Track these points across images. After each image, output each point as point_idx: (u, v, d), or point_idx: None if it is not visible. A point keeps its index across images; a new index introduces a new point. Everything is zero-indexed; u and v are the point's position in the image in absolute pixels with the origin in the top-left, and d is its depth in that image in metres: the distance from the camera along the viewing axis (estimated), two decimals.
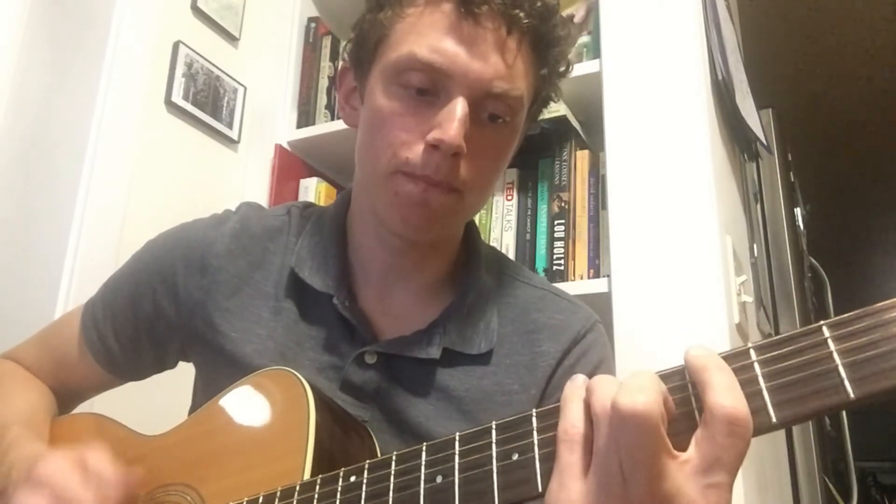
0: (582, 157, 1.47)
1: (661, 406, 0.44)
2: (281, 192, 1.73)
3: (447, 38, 0.72)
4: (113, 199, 1.46)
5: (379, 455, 0.72)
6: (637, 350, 1.23)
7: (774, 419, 0.43)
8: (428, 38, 0.72)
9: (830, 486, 1.80)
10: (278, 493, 0.64)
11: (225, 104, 1.75)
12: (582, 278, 1.39)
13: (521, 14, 0.73)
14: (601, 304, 1.25)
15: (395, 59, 0.74)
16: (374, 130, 0.75)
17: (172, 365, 0.93)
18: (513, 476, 0.50)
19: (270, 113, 1.82)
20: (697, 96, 1.35)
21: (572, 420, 0.48)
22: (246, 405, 0.74)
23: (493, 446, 0.51)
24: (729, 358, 0.46)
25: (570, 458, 0.47)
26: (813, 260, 2.09)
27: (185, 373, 0.92)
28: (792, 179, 1.97)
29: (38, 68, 1.57)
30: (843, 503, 1.91)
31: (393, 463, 0.57)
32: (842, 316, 0.42)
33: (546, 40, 0.77)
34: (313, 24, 1.90)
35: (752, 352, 0.45)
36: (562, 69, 0.82)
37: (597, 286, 1.35)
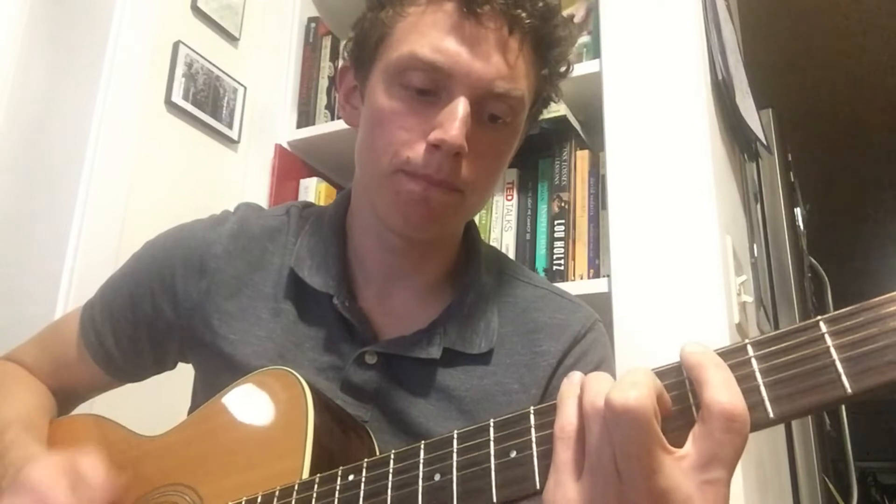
0: (582, 157, 1.47)
1: (654, 401, 0.44)
2: (281, 192, 1.73)
3: (449, 37, 0.72)
4: (113, 199, 1.45)
5: (378, 455, 0.72)
6: (637, 350, 1.23)
7: (772, 414, 0.43)
8: (429, 37, 0.72)
9: (830, 486, 1.80)
10: (277, 493, 0.64)
11: (225, 104, 1.75)
12: (582, 278, 1.39)
13: (523, 14, 0.73)
14: (601, 304, 1.25)
15: (397, 58, 0.73)
16: (375, 130, 0.75)
17: (171, 366, 0.93)
18: (511, 473, 0.50)
19: (270, 113, 1.82)
20: (697, 96, 1.35)
21: (568, 417, 0.48)
22: (245, 405, 0.74)
23: (492, 444, 0.52)
24: (726, 354, 0.46)
25: (566, 455, 0.47)
26: (813, 260, 2.09)
27: (185, 373, 0.92)
28: (792, 179, 1.97)
29: (38, 68, 1.57)
30: (843, 503, 1.91)
31: (391, 461, 0.57)
32: (839, 311, 0.43)
33: (547, 41, 0.77)
34: (313, 24, 1.90)
35: (749, 347, 0.45)
36: (562, 70, 0.82)
37: (597, 286, 1.35)
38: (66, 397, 0.94)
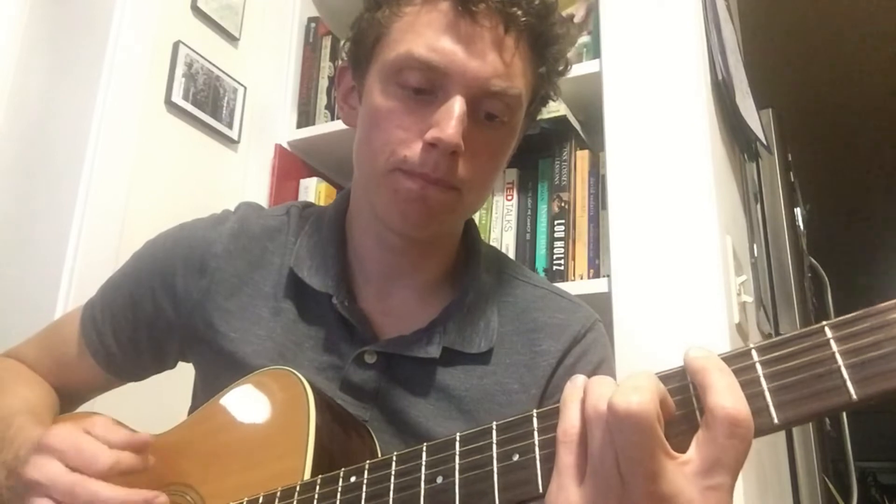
0: (582, 157, 1.47)
1: (657, 406, 0.44)
2: (281, 192, 1.73)
3: (445, 36, 0.72)
4: (113, 199, 1.45)
5: (379, 455, 0.72)
6: (637, 350, 1.23)
7: (776, 420, 0.43)
8: (425, 36, 0.72)
9: (830, 486, 1.80)
10: (278, 494, 0.64)
11: (225, 104, 1.75)
12: (582, 278, 1.39)
13: (519, 12, 0.73)
14: (601, 304, 1.25)
15: (393, 58, 0.74)
16: (373, 129, 0.75)
17: (172, 365, 0.93)
18: (513, 477, 0.50)
19: (270, 113, 1.82)
20: (697, 96, 1.35)
21: (571, 421, 0.47)
22: (246, 405, 0.74)
23: (494, 447, 0.51)
24: (730, 359, 0.46)
25: (569, 459, 0.47)
26: (813, 260, 2.09)
27: (185, 373, 0.92)
28: (792, 179, 1.96)
29: (38, 68, 1.57)
30: (843, 503, 1.91)
31: (393, 463, 0.57)
32: (844, 317, 0.42)
33: (544, 38, 0.77)
34: (313, 24, 1.90)
35: (753, 352, 0.45)
36: (560, 68, 0.82)
37: (597, 286, 1.35)
38: (66, 397, 0.94)
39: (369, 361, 0.79)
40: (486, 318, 0.83)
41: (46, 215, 1.43)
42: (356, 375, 0.79)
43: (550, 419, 0.50)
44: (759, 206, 1.81)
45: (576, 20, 1.56)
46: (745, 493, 1.15)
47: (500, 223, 1.50)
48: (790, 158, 1.99)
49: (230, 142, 1.77)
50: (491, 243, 1.40)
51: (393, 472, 0.56)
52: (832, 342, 0.42)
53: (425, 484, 0.54)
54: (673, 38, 1.40)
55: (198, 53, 1.68)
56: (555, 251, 1.42)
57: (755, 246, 1.70)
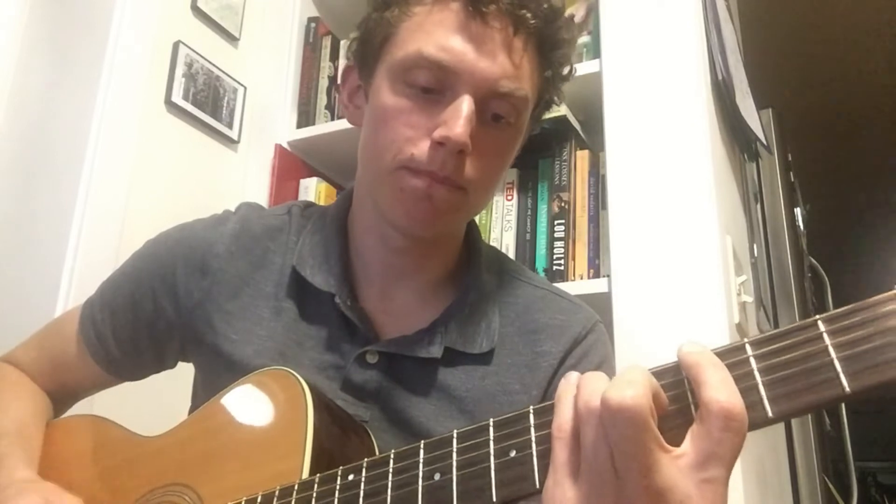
0: (582, 157, 1.47)
1: (650, 400, 0.44)
2: (281, 192, 1.73)
3: (455, 36, 0.72)
4: (113, 199, 1.46)
5: (378, 455, 0.72)
6: (637, 350, 1.23)
7: (770, 413, 0.43)
8: (435, 36, 0.72)
9: (830, 486, 1.80)
10: (277, 493, 0.64)
11: (225, 104, 1.75)
12: (582, 278, 1.39)
13: (528, 15, 0.73)
14: (601, 304, 1.25)
15: (402, 57, 0.74)
16: (380, 127, 0.75)
17: (172, 365, 0.93)
18: (510, 473, 0.50)
19: (270, 113, 1.82)
20: (697, 96, 1.35)
21: (565, 417, 0.48)
22: (244, 405, 0.74)
23: (491, 443, 0.52)
24: (725, 353, 0.46)
25: (564, 455, 0.47)
26: (813, 260, 2.09)
27: (185, 373, 0.92)
28: (792, 179, 1.96)
29: (38, 68, 1.57)
30: (843, 503, 1.91)
31: (391, 461, 0.57)
32: (837, 310, 0.43)
33: (551, 42, 0.77)
34: (313, 24, 1.90)
35: (747, 346, 0.45)
36: (565, 72, 0.82)
37: (597, 286, 1.35)
38: (64, 396, 0.94)
39: (371, 361, 0.79)
40: (487, 318, 0.83)
41: (46, 215, 1.43)
42: (358, 375, 0.79)
43: (547, 415, 0.50)
44: (759, 206, 1.81)
45: (576, 20, 1.55)
46: (745, 493, 1.15)
47: (500, 223, 1.50)
48: (790, 158, 1.99)
49: (230, 142, 1.77)
50: (491, 243, 1.40)
51: (391, 470, 0.56)
52: (825, 336, 0.43)
53: (423, 481, 0.54)
54: (673, 38, 1.40)
55: (198, 53, 1.68)
56: (555, 251, 1.43)
57: (755, 246, 1.70)
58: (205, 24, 1.74)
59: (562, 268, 1.41)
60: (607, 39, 1.46)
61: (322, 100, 1.83)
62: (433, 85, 0.73)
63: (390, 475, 0.56)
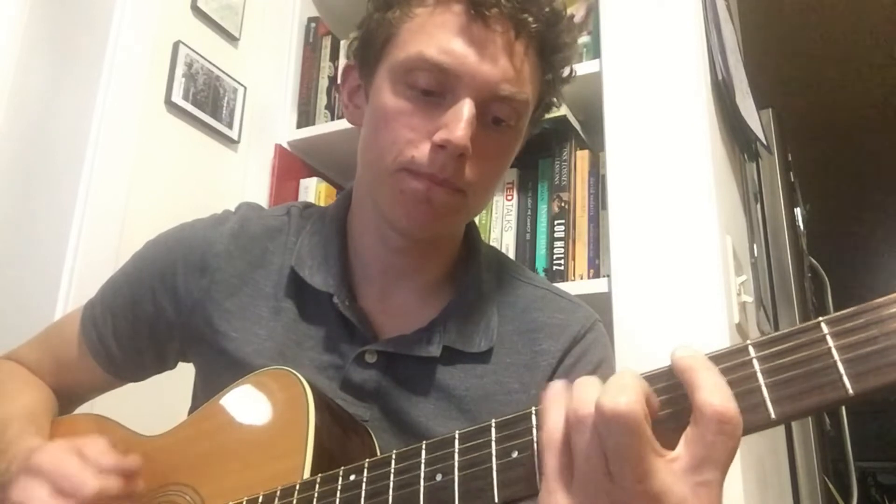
0: (582, 157, 1.47)
1: (644, 405, 0.44)
2: (281, 192, 1.73)
3: (457, 39, 0.72)
4: (113, 199, 1.46)
5: (379, 454, 0.72)
6: (637, 350, 1.23)
7: (773, 415, 0.43)
8: (437, 38, 0.72)
9: (830, 486, 1.80)
10: (278, 493, 0.64)
11: (225, 104, 1.75)
12: (582, 278, 1.39)
13: (530, 19, 0.73)
14: (601, 304, 1.25)
15: (404, 58, 0.74)
16: (380, 128, 0.75)
17: (172, 365, 0.93)
18: (512, 474, 0.50)
19: (270, 113, 1.82)
20: (697, 96, 1.35)
21: (554, 425, 0.48)
22: (245, 405, 0.74)
23: (493, 444, 0.52)
24: (727, 355, 0.46)
25: (556, 463, 0.47)
26: (813, 260, 2.09)
27: (185, 373, 0.92)
28: (792, 179, 1.97)
29: (38, 68, 1.57)
30: (843, 503, 1.91)
31: (392, 461, 0.57)
32: (840, 312, 0.43)
33: (552, 46, 0.77)
34: (313, 24, 1.90)
35: (750, 348, 0.45)
36: (565, 75, 0.82)
37: (597, 286, 1.35)
38: (66, 397, 0.94)
39: (370, 361, 0.79)
40: (486, 317, 0.83)
41: (46, 215, 1.43)
42: (357, 375, 0.79)
43: None
44: (759, 206, 1.81)
45: (576, 20, 1.55)
46: (745, 493, 1.15)
47: (500, 223, 1.50)
48: (790, 158, 1.99)
49: (230, 142, 1.77)
50: (491, 243, 1.40)
51: (392, 471, 0.56)
52: (828, 338, 0.42)
53: (425, 482, 0.54)
54: (673, 38, 1.40)
55: (198, 53, 1.68)
56: (555, 251, 1.43)
57: (755, 246, 1.70)
58: (205, 24, 1.74)
59: (562, 268, 1.41)
60: (607, 39, 1.46)
61: (322, 100, 1.83)
62: (434, 87, 0.73)
63: (392, 475, 0.56)
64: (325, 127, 1.76)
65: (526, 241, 1.47)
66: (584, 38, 1.55)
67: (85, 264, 1.38)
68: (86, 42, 1.52)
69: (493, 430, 0.52)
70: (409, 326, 0.81)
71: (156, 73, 1.59)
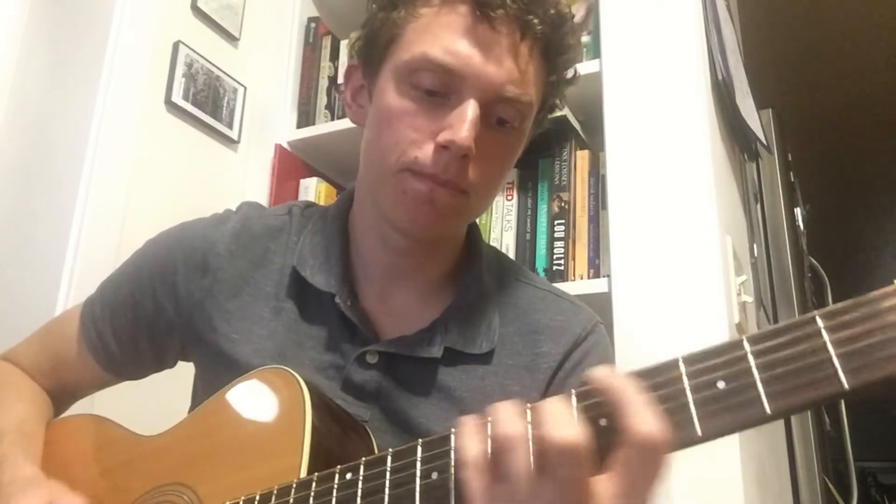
0: (582, 157, 1.47)
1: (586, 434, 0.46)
2: (281, 192, 1.73)
3: (462, 40, 0.72)
4: (113, 199, 1.46)
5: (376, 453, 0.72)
6: (637, 350, 1.23)
7: (769, 410, 0.43)
8: (442, 39, 0.72)
9: (830, 486, 1.80)
10: (275, 492, 0.64)
11: (225, 104, 1.75)
12: (582, 278, 1.39)
13: (535, 20, 0.73)
14: (601, 304, 1.25)
15: (408, 59, 0.73)
16: (384, 128, 0.75)
17: (172, 364, 0.93)
18: None
19: (270, 113, 1.82)
20: (697, 96, 1.35)
21: (480, 447, 0.50)
22: (243, 404, 0.74)
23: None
24: (723, 349, 0.46)
25: (483, 485, 0.49)
26: (813, 260, 2.08)
27: (185, 373, 0.92)
28: (792, 179, 1.96)
29: (38, 68, 1.57)
30: (843, 503, 1.90)
31: (389, 460, 0.57)
32: (835, 306, 0.42)
33: (557, 48, 0.77)
34: (313, 24, 1.90)
35: (745, 343, 0.45)
36: (569, 77, 0.82)
37: (597, 286, 1.35)
38: (64, 395, 0.94)
39: (371, 361, 0.79)
40: (487, 318, 0.83)
41: (46, 215, 1.43)
42: (358, 375, 0.79)
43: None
44: (759, 206, 1.81)
45: (576, 20, 1.55)
46: (745, 493, 1.15)
47: (500, 223, 1.50)
48: (790, 158, 1.99)
49: (230, 142, 1.77)
50: (491, 243, 1.40)
51: (388, 469, 0.56)
52: (824, 332, 0.42)
53: (420, 480, 0.54)
54: (673, 38, 1.40)
55: (198, 53, 1.68)
56: (555, 251, 1.43)
57: (755, 246, 1.70)
58: (205, 24, 1.74)
59: (562, 268, 1.41)
60: (607, 39, 1.46)
61: (322, 100, 1.83)
62: (438, 88, 0.73)
63: (388, 474, 0.56)
64: (325, 127, 1.76)
65: (526, 241, 1.47)
66: (584, 38, 1.55)
67: (85, 264, 1.38)
68: (86, 42, 1.52)
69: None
70: (410, 327, 0.81)
71: (156, 73, 1.59)
